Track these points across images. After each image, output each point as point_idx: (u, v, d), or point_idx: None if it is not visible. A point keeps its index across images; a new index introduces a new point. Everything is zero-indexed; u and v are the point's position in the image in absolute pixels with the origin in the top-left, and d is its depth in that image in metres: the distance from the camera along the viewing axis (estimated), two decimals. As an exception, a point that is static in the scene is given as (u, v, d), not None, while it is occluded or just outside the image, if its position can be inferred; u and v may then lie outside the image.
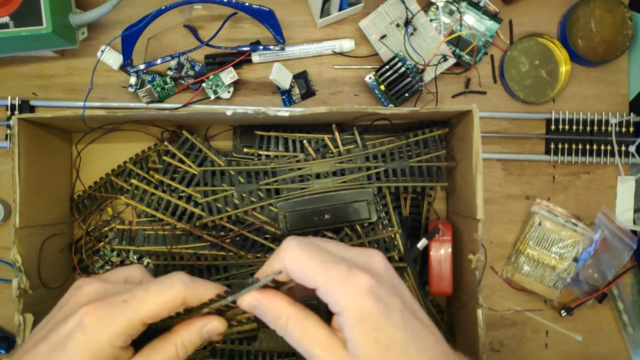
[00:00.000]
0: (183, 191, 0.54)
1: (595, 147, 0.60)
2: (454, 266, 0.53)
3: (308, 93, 0.60)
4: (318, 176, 0.54)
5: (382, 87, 0.58)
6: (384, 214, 0.55)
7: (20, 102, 0.59)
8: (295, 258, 0.33)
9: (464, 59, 0.60)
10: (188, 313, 0.35)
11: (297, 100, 0.61)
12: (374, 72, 0.58)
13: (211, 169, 0.55)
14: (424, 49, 0.59)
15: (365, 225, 0.54)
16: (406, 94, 0.58)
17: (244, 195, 0.54)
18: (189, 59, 0.60)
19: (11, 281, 0.50)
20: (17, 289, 0.47)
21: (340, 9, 0.58)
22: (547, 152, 0.60)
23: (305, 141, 0.55)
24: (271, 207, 0.54)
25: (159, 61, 0.57)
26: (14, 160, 0.48)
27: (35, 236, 0.52)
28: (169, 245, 0.54)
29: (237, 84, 0.60)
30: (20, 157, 0.48)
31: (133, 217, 0.56)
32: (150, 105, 0.59)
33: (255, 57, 0.60)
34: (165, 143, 0.56)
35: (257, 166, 0.55)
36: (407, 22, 0.59)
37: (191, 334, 0.35)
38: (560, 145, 0.60)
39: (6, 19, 0.52)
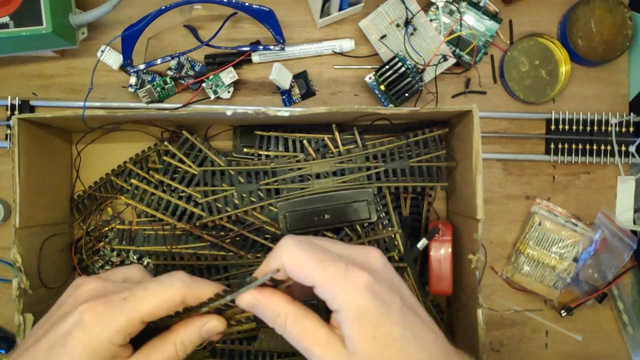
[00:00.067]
0: (183, 191, 0.54)
1: (595, 147, 0.60)
2: (454, 266, 0.53)
3: (308, 93, 0.60)
4: (318, 176, 0.54)
5: (382, 87, 0.58)
6: (384, 214, 0.55)
7: (20, 102, 0.59)
8: (293, 256, 0.34)
9: (464, 59, 0.60)
10: (187, 312, 0.35)
11: (297, 100, 0.61)
12: (374, 72, 0.58)
13: (211, 169, 0.55)
14: (424, 49, 0.59)
15: (365, 225, 0.54)
16: (406, 94, 0.58)
17: (244, 195, 0.54)
18: (189, 59, 0.60)
19: (11, 281, 0.50)
20: (17, 289, 0.47)
21: (340, 9, 0.58)
22: (547, 152, 0.60)
23: (305, 141, 0.55)
24: (271, 207, 0.54)
25: (159, 61, 0.57)
26: (14, 160, 0.48)
27: (35, 236, 0.52)
28: (169, 245, 0.54)
29: (237, 84, 0.60)
30: (20, 157, 0.48)
31: (133, 217, 0.56)
32: (150, 105, 0.59)
33: (255, 57, 0.60)
34: (165, 143, 0.56)
35: (257, 166, 0.55)
36: (407, 22, 0.59)
37: (190, 333, 0.35)
38: (560, 145, 0.60)
39: (6, 19, 0.52)
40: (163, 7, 0.54)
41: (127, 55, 0.56)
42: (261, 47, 0.58)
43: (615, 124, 0.59)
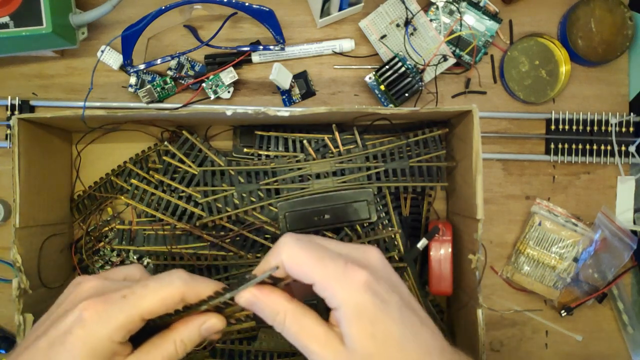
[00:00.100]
0: (183, 191, 0.54)
1: (595, 147, 0.60)
2: (454, 266, 0.53)
3: (308, 93, 0.60)
4: (318, 176, 0.54)
5: (382, 87, 0.58)
6: (384, 214, 0.55)
7: (20, 102, 0.59)
8: (292, 254, 0.34)
9: (464, 59, 0.60)
10: (187, 310, 0.35)
11: (297, 100, 0.61)
12: (374, 72, 0.58)
13: (211, 169, 0.55)
14: (424, 49, 0.59)
15: (365, 225, 0.54)
16: (406, 94, 0.58)
17: (244, 195, 0.54)
18: (189, 59, 0.60)
19: (11, 281, 0.50)
20: (17, 289, 0.47)
21: (340, 9, 0.58)
22: (547, 152, 0.60)
23: (305, 141, 0.55)
24: (271, 207, 0.54)
25: (159, 61, 0.57)
26: (14, 160, 0.48)
27: (35, 236, 0.52)
28: (169, 245, 0.54)
29: (237, 84, 0.60)
30: (20, 157, 0.48)
31: (133, 217, 0.56)
32: (150, 105, 0.59)
33: (255, 57, 0.60)
34: (165, 143, 0.56)
35: (257, 166, 0.55)
36: (407, 22, 0.59)
37: (190, 332, 0.35)
38: (560, 145, 0.60)
39: (6, 19, 0.52)
40: (163, 7, 0.54)
41: (127, 55, 0.56)
42: (261, 47, 0.58)
43: (615, 124, 0.59)
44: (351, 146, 0.55)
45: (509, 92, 0.61)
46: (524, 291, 0.60)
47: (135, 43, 0.55)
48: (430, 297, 0.56)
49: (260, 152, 0.56)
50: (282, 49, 0.59)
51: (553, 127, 0.60)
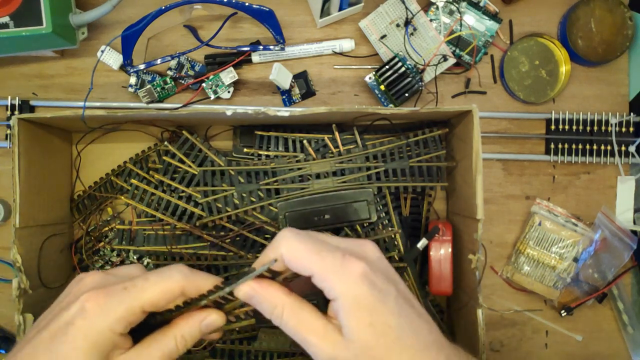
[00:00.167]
0: (183, 191, 0.54)
1: (595, 147, 0.60)
2: (454, 266, 0.53)
3: (308, 93, 0.60)
4: (318, 176, 0.54)
5: (382, 87, 0.58)
6: (384, 214, 0.55)
7: (20, 102, 0.59)
8: (291, 247, 0.34)
9: (464, 59, 0.60)
10: (187, 306, 0.35)
11: (297, 100, 0.61)
12: (374, 72, 0.58)
13: (211, 169, 0.55)
14: (424, 49, 0.59)
15: (365, 225, 0.54)
16: (406, 94, 0.58)
17: (244, 195, 0.54)
18: (189, 59, 0.60)
19: (11, 281, 0.50)
20: (17, 289, 0.47)
21: (340, 9, 0.58)
22: (547, 152, 0.60)
23: (305, 141, 0.55)
24: (271, 207, 0.54)
25: (159, 61, 0.57)
26: (14, 160, 0.48)
27: (35, 236, 0.52)
28: (169, 245, 0.54)
29: (237, 84, 0.60)
30: (20, 157, 0.48)
31: (133, 217, 0.56)
32: (150, 105, 0.59)
33: (255, 57, 0.60)
34: (165, 143, 0.56)
35: (257, 166, 0.55)
36: (407, 22, 0.59)
37: (191, 327, 0.36)
38: (560, 145, 0.60)
39: (6, 19, 0.52)
40: (163, 7, 0.54)
41: (127, 55, 0.56)
42: (261, 47, 0.58)
43: (615, 124, 0.59)
44: (351, 146, 0.55)
45: (509, 92, 0.61)
46: (524, 291, 0.60)
47: (135, 43, 0.55)
48: (430, 297, 0.56)
49: (260, 152, 0.56)
50: (282, 49, 0.59)
51: (553, 127, 0.60)
